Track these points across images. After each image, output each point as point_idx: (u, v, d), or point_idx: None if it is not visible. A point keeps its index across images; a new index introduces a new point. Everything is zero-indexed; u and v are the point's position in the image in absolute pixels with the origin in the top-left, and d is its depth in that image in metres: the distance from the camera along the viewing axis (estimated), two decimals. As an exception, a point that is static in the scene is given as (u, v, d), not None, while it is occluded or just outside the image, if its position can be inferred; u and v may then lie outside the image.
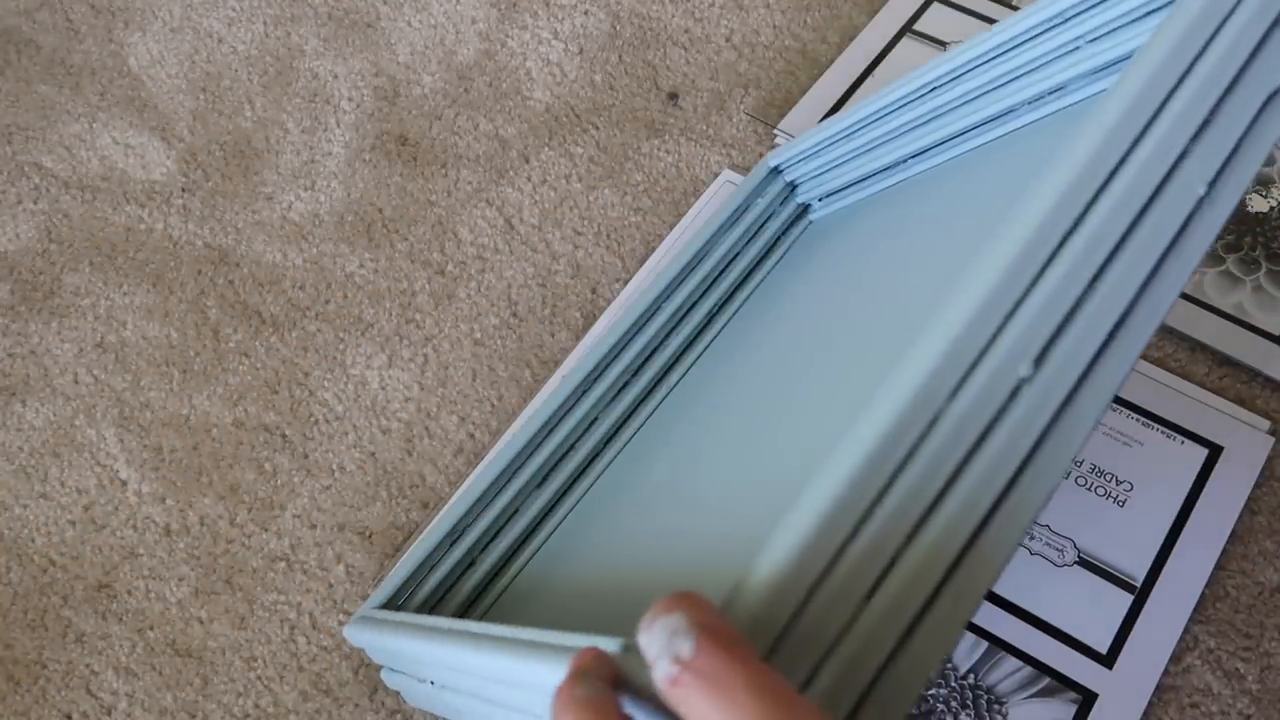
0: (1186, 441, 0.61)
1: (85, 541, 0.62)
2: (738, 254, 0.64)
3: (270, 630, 0.59)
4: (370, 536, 0.61)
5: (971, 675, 0.55)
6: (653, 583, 0.45)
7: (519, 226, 0.71)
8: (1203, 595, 0.57)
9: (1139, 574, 0.57)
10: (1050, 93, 0.50)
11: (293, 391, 0.66)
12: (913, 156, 0.58)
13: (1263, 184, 0.68)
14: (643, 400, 0.61)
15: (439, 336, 0.67)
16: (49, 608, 0.60)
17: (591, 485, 0.59)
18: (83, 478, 0.63)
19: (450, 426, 0.64)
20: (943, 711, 0.55)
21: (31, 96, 0.78)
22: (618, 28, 0.79)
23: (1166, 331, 0.64)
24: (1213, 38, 0.37)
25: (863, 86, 0.75)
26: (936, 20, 0.78)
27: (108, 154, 0.76)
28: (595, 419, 0.60)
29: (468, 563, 0.57)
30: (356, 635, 0.54)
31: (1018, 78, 0.51)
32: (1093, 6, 0.47)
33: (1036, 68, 0.50)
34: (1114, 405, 0.62)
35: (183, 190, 0.74)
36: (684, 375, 0.62)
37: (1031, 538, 0.58)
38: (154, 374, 0.67)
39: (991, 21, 0.77)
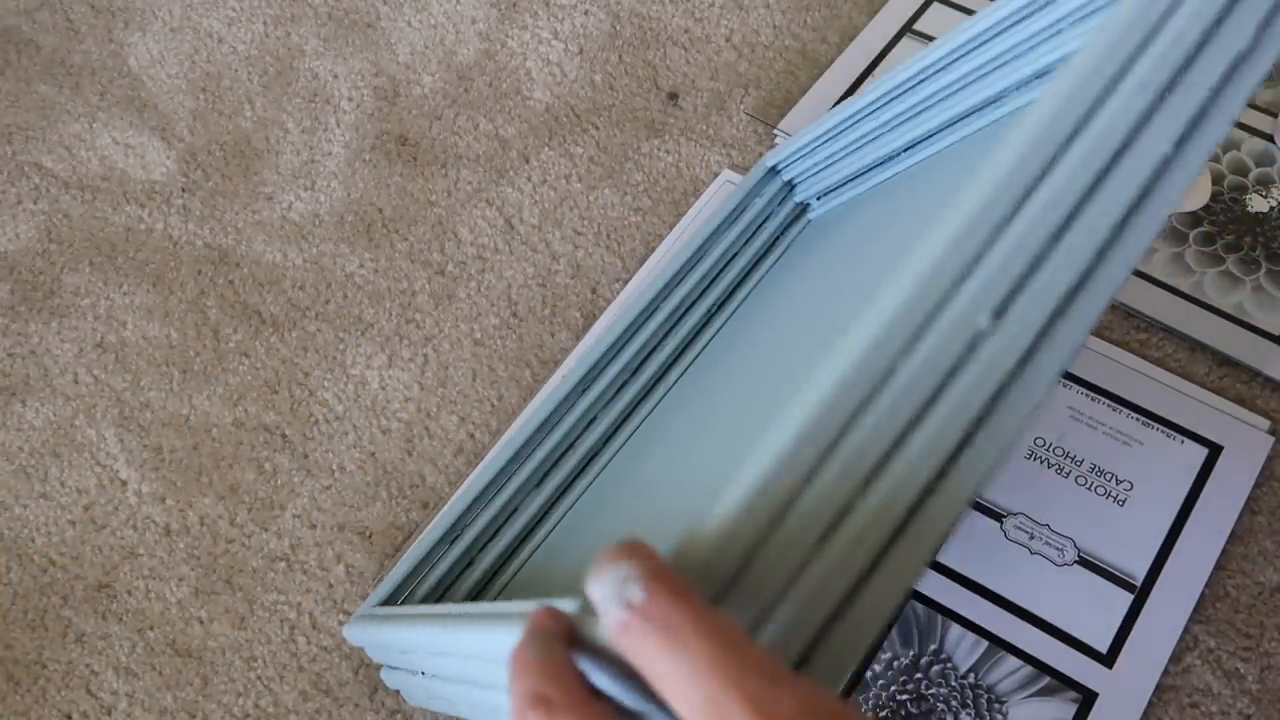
0: (1186, 441, 0.61)
1: (85, 541, 0.62)
2: (735, 254, 0.64)
3: (270, 630, 0.59)
4: (370, 536, 0.61)
5: (971, 675, 0.55)
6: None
7: (519, 226, 0.71)
8: (1203, 595, 0.57)
9: (1139, 574, 0.57)
10: (1035, 77, 0.50)
11: (293, 391, 0.66)
12: (906, 149, 0.58)
13: (1263, 184, 0.68)
14: (641, 400, 0.61)
15: (439, 336, 0.67)
16: (49, 608, 0.60)
17: (590, 484, 0.59)
18: (83, 478, 0.63)
19: (450, 426, 0.64)
20: (943, 711, 0.55)
21: (31, 96, 0.78)
22: (618, 28, 0.79)
23: (1166, 331, 0.64)
24: (1178, 3, 0.37)
25: (862, 86, 0.75)
26: (936, 20, 0.78)
27: (108, 154, 0.76)
28: (594, 418, 0.60)
29: (466, 561, 0.57)
30: (356, 634, 0.54)
31: (1003, 64, 0.51)
32: None
33: (1021, 53, 0.50)
34: (1114, 405, 0.62)
35: (183, 190, 0.74)
36: (682, 375, 0.62)
37: (1031, 537, 0.58)
38: (154, 374, 0.67)
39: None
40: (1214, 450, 0.60)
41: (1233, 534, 0.58)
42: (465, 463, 0.63)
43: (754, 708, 0.26)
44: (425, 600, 0.56)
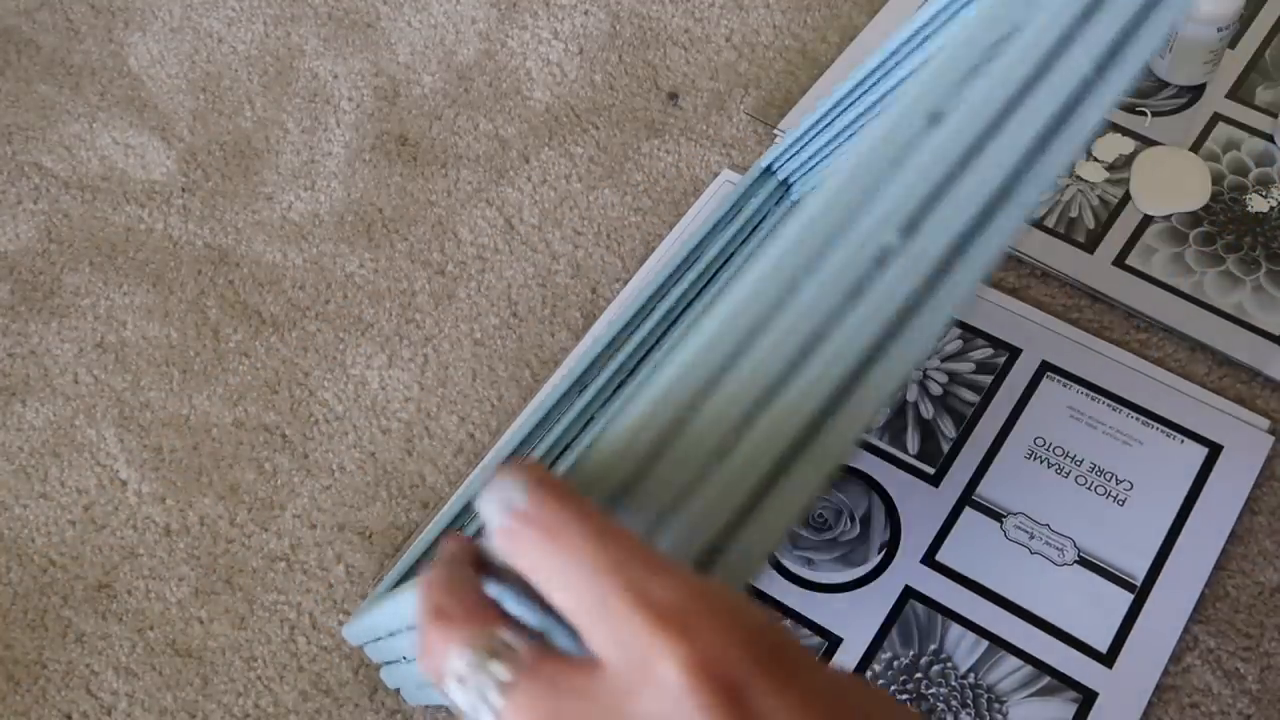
0: (1186, 441, 0.61)
1: (85, 541, 0.62)
2: (733, 253, 0.65)
3: (270, 630, 0.59)
4: (370, 536, 0.61)
5: (971, 674, 0.55)
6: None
7: (519, 226, 0.71)
8: (1203, 595, 0.57)
9: (1139, 573, 0.57)
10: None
11: (293, 391, 0.66)
12: None
13: (1263, 184, 0.68)
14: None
15: (439, 336, 0.67)
16: (49, 608, 0.60)
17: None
18: (83, 478, 0.63)
19: (450, 426, 0.64)
20: (943, 711, 0.55)
21: (31, 96, 0.79)
22: (618, 28, 0.79)
23: (1166, 331, 0.64)
24: None
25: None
26: (936, 20, 0.78)
27: (108, 154, 0.76)
28: (592, 417, 0.60)
29: (467, 562, 0.57)
30: (355, 634, 0.54)
31: None
32: None
33: None
34: (1114, 405, 0.62)
35: (183, 190, 0.74)
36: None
37: (1031, 536, 0.58)
38: (154, 374, 0.67)
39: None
40: (1214, 450, 0.60)
41: (1233, 534, 0.58)
42: (465, 463, 0.63)
43: (635, 596, 0.26)
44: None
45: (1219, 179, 0.69)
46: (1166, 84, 0.73)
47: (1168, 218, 0.68)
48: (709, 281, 0.64)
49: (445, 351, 0.67)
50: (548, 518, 0.28)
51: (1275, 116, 0.71)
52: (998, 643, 0.56)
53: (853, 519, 0.59)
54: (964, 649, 0.56)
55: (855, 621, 0.57)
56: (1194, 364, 0.64)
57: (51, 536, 0.62)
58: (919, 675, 0.55)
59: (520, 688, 0.27)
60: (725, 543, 0.31)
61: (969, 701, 0.55)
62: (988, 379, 0.63)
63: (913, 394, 0.62)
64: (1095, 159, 0.70)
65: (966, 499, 0.59)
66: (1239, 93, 0.72)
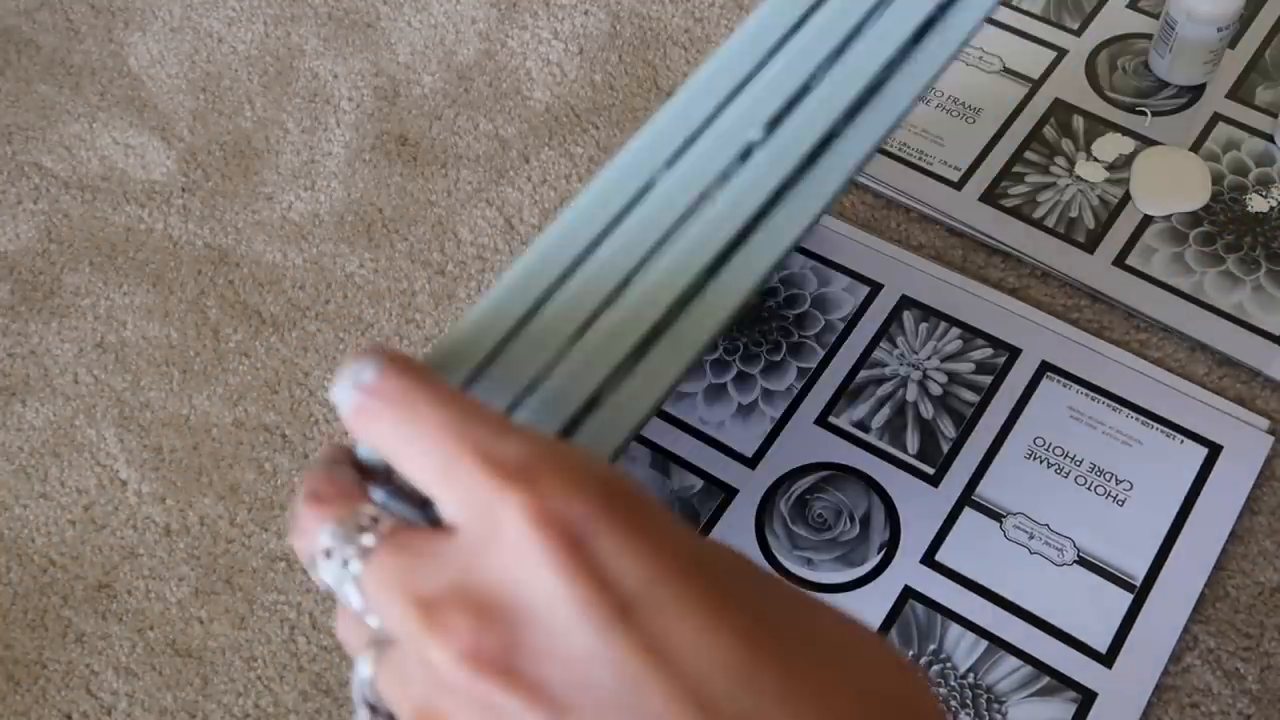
0: (1186, 441, 0.61)
1: (85, 541, 0.62)
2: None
3: (270, 630, 0.59)
4: (370, 536, 0.61)
5: (971, 675, 0.55)
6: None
7: (519, 226, 0.71)
8: (1203, 595, 0.57)
9: (1139, 573, 0.57)
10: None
11: (293, 391, 0.66)
12: None
13: (1263, 184, 0.68)
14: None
15: (439, 336, 0.67)
16: (49, 608, 0.60)
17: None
18: (83, 478, 0.63)
19: (450, 426, 0.64)
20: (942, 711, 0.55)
21: (31, 96, 0.79)
22: (618, 28, 0.79)
23: (1166, 331, 0.64)
24: None
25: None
26: (936, 20, 0.78)
27: (108, 154, 0.76)
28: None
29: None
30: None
31: None
32: None
33: None
34: (1114, 405, 0.62)
35: (183, 190, 0.74)
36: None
37: (1031, 536, 0.58)
38: (154, 374, 0.67)
39: (995, 24, 0.77)
40: (1214, 450, 0.60)
41: (1233, 534, 0.58)
42: (465, 463, 0.63)
43: (482, 457, 0.26)
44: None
45: (1219, 179, 0.69)
46: (1166, 84, 0.73)
47: (1168, 218, 0.68)
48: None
49: (445, 351, 0.67)
50: (395, 389, 0.28)
51: (1275, 116, 0.71)
52: (997, 643, 0.56)
53: (852, 519, 0.59)
54: (963, 649, 0.56)
55: (855, 621, 0.57)
56: (1194, 364, 0.64)
57: (51, 536, 0.62)
58: (919, 675, 0.55)
59: (378, 554, 0.28)
60: (577, 426, 0.32)
61: (968, 702, 0.55)
62: (987, 379, 0.63)
63: (913, 394, 0.62)
64: (1095, 159, 0.70)
65: (966, 499, 0.59)
66: (1239, 93, 0.72)
